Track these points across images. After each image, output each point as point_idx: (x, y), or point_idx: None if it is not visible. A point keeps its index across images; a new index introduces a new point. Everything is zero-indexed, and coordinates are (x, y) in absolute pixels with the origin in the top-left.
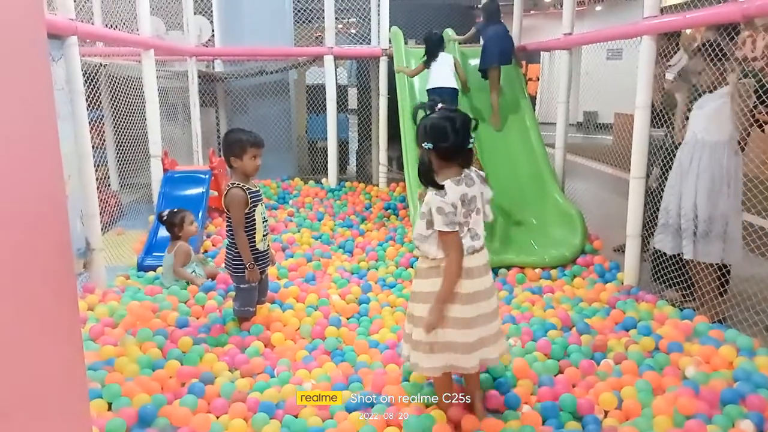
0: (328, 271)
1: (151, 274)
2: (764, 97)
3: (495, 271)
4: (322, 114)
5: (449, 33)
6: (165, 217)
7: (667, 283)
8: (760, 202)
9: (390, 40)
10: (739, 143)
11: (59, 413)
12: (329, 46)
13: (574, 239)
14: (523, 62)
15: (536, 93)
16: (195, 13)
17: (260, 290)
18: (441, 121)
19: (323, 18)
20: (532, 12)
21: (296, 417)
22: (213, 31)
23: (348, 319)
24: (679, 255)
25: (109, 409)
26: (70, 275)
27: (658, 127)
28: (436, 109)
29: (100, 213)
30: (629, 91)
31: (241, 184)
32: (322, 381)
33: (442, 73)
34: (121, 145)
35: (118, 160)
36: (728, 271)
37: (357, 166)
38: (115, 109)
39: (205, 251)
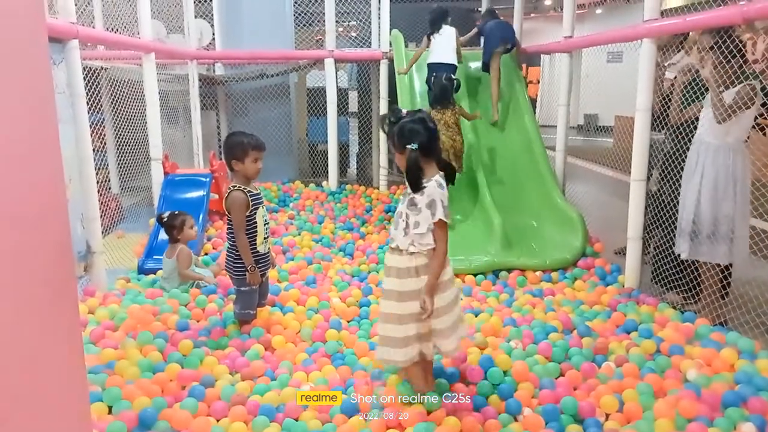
0: (328, 274)
1: (151, 277)
2: (765, 100)
3: (496, 273)
4: (323, 117)
5: None
6: (165, 219)
7: (667, 286)
8: (762, 205)
9: (390, 44)
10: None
11: (60, 416)
12: (330, 49)
13: (575, 242)
14: (524, 65)
15: (537, 96)
16: (196, 17)
17: (261, 293)
18: (415, 123)
19: (324, 21)
20: (532, 15)
21: (296, 420)
22: (214, 34)
23: (348, 322)
24: (683, 259)
25: (110, 412)
26: (71, 278)
27: (658, 131)
28: (402, 115)
29: (101, 216)
30: (629, 94)
31: (243, 187)
32: (320, 384)
33: (444, 48)
34: (121, 149)
35: (118, 163)
36: (730, 274)
37: (357, 168)
38: (115, 112)
39: (206, 254)
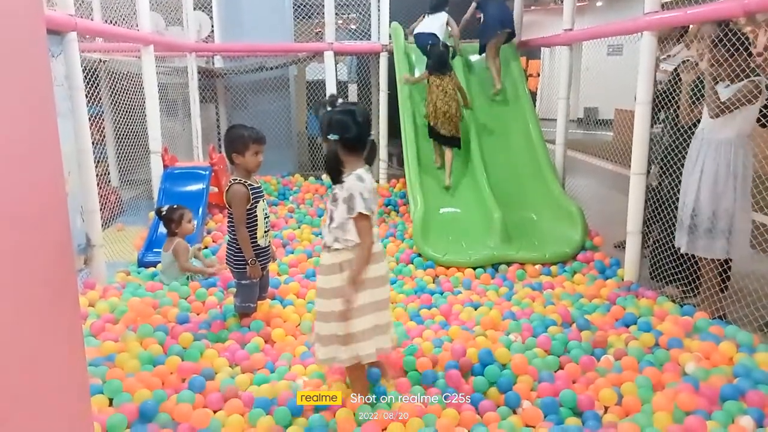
0: None
1: (151, 269)
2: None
3: (495, 267)
4: None
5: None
6: (164, 212)
7: (666, 280)
8: (763, 199)
9: (390, 36)
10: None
11: (60, 409)
12: (329, 41)
13: (574, 235)
14: (524, 58)
15: (537, 89)
16: (194, 9)
17: (261, 286)
18: (343, 115)
19: (323, 14)
20: (532, 8)
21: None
22: (213, 26)
23: None
24: (682, 252)
25: (110, 404)
26: (71, 278)
27: (655, 124)
28: (337, 104)
29: (101, 209)
30: (630, 87)
31: (243, 180)
32: (315, 378)
33: (431, 23)
34: (121, 141)
35: (118, 157)
36: (729, 267)
37: None
38: (114, 105)
39: (206, 247)
